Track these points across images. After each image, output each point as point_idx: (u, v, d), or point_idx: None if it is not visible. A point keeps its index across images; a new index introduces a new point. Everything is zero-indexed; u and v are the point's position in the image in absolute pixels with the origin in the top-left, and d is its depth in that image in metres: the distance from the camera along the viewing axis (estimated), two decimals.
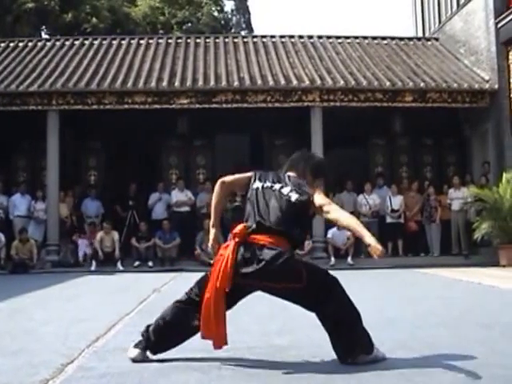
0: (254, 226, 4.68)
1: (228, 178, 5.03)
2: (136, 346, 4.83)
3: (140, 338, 4.84)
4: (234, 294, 4.63)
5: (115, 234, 17.46)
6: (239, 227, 4.68)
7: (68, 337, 5.96)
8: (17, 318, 7.58)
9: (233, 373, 4.45)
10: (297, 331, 6.06)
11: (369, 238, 4.64)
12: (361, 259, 17.48)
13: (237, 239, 4.62)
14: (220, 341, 4.65)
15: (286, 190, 4.81)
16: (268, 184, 4.88)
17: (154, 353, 4.82)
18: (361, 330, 4.68)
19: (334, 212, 4.84)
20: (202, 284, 4.74)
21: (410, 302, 8.94)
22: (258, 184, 4.90)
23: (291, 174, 5.04)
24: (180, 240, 17.65)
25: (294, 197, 4.75)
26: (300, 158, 5.16)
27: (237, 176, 5.08)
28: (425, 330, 6.16)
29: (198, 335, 4.70)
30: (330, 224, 17.70)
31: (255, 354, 5.03)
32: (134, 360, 4.75)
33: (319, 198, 4.83)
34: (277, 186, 4.85)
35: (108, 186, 19.82)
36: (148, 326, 4.85)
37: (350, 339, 4.65)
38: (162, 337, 4.79)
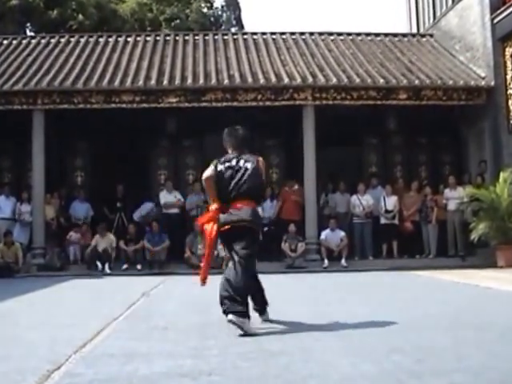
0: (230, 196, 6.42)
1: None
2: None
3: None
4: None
5: (111, 237, 17.23)
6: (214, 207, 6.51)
7: (55, 342, 5.88)
8: (2, 323, 7.54)
9: (223, 378, 4.38)
10: (287, 337, 6.07)
11: None
12: (354, 261, 17.37)
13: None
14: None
15: (242, 163, 6.52)
16: (228, 164, 6.54)
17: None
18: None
19: None
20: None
21: (405, 304, 8.88)
22: (220, 167, 6.54)
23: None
24: (169, 242, 17.19)
25: (249, 166, 6.49)
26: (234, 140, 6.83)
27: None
28: (420, 334, 6.13)
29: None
30: (323, 226, 17.49)
31: (246, 360, 4.96)
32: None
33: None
34: (235, 163, 6.53)
35: (95, 187, 19.46)
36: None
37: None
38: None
